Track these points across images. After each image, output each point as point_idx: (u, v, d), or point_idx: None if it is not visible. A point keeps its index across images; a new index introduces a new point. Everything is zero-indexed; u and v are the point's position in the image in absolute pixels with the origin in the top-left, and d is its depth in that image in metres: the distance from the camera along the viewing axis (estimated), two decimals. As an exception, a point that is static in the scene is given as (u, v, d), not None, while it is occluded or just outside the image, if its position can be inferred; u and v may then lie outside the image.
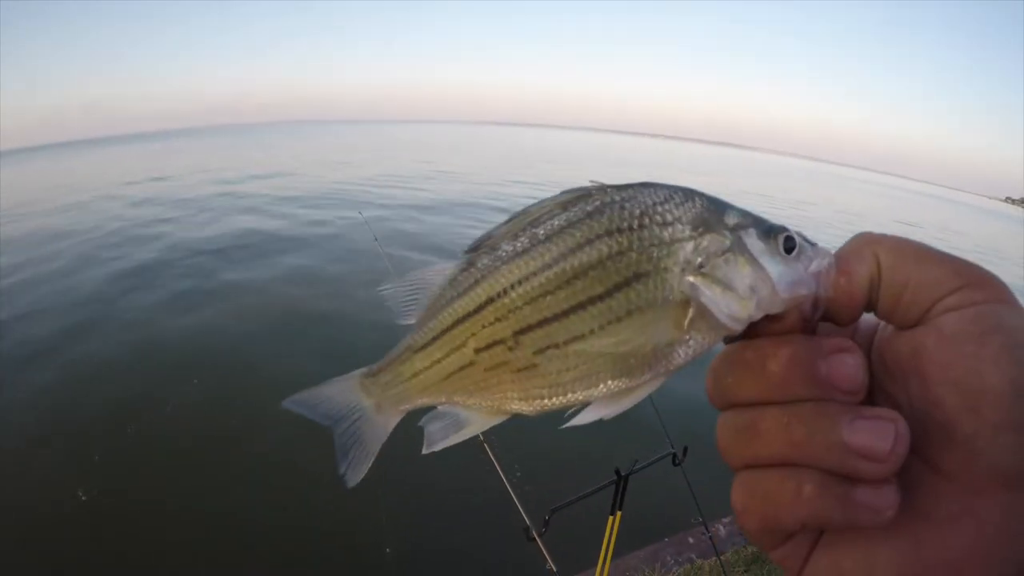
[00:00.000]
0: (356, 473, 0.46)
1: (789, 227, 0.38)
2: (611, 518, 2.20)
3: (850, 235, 0.36)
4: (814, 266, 0.35)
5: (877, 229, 0.37)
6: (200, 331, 6.72)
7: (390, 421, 0.46)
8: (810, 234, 0.39)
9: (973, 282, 0.31)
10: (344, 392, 0.47)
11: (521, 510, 1.98)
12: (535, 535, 1.88)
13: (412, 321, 0.44)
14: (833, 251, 0.36)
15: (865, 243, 0.35)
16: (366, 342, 5.66)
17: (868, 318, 0.36)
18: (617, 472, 2.09)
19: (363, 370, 0.47)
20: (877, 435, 0.29)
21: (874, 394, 0.35)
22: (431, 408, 0.44)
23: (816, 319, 0.36)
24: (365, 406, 0.46)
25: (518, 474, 2.19)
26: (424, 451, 0.43)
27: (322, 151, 41.80)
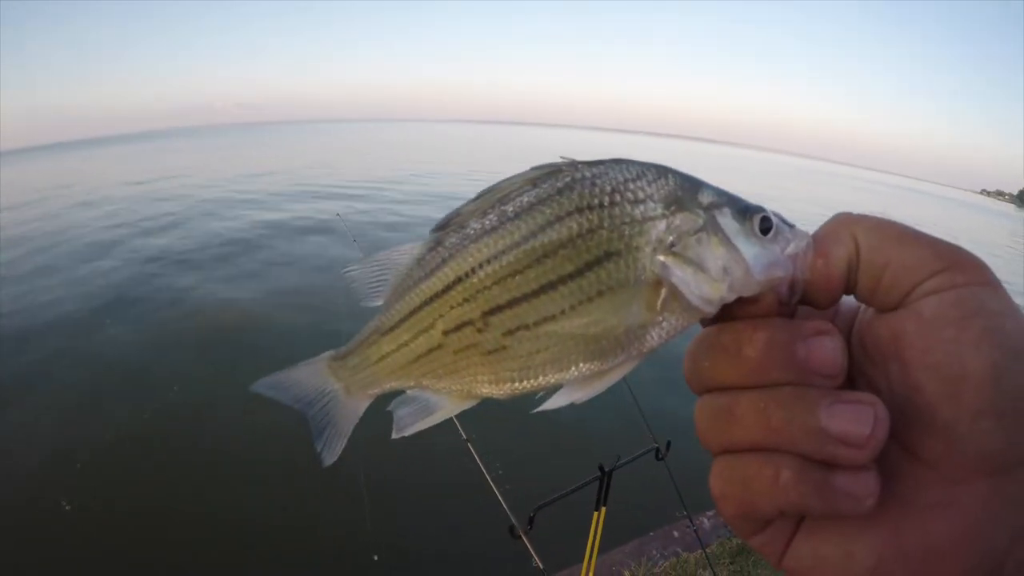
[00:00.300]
0: (331, 452, 0.46)
1: (766, 207, 0.37)
2: (596, 514, 2.22)
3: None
4: (791, 248, 0.34)
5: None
6: (179, 338, 6.65)
7: (360, 404, 0.46)
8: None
9: (954, 264, 0.30)
10: (312, 375, 0.46)
11: (506, 508, 1.99)
12: (520, 533, 1.90)
13: (379, 303, 0.43)
14: (811, 232, 0.35)
15: (844, 224, 0.34)
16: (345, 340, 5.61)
17: (850, 301, 0.35)
18: (601, 468, 2.11)
19: (331, 353, 0.46)
20: (856, 420, 0.29)
21: (854, 378, 0.34)
22: (400, 392, 0.44)
23: (794, 302, 0.35)
24: (335, 388, 0.46)
25: (501, 472, 2.20)
26: (394, 436, 0.43)
27: (321, 152, 41.43)
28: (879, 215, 0.34)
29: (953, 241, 0.32)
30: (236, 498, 4.13)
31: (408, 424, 0.43)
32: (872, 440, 0.28)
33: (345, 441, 0.46)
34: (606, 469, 2.12)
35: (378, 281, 0.43)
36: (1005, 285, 0.31)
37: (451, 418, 0.44)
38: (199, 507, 4.03)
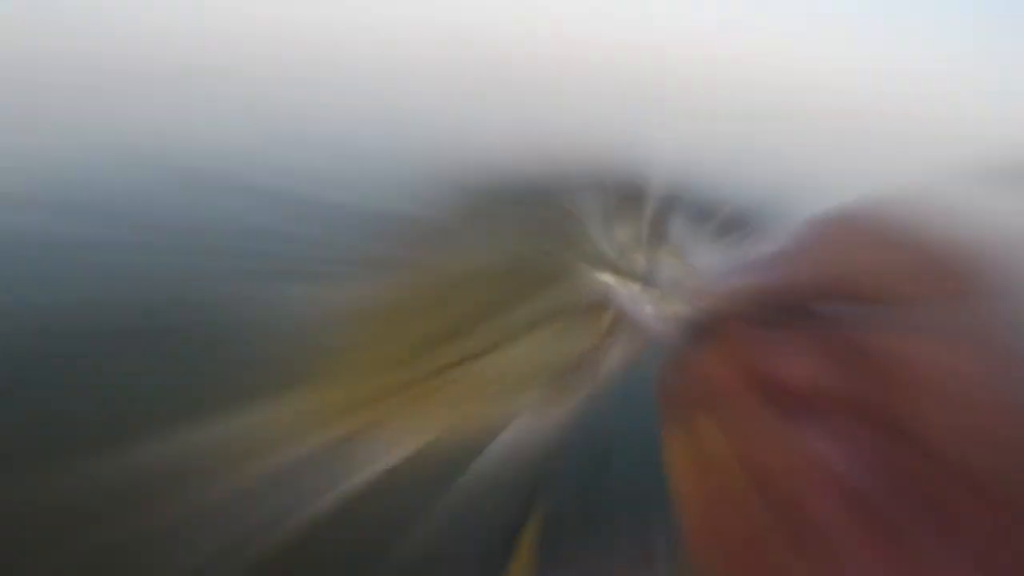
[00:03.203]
0: None
1: (725, 209, 0.35)
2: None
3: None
4: (754, 252, 0.32)
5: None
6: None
7: None
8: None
9: (942, 270, 0.28)
10: None
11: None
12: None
13: None
14: (783, 233, 0.32)
15: (819, 224, 0.31)
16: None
17: (830, 307, 0.33)
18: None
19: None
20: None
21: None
22: None
23: (762, 308, 0.32)
24: None
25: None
26: None
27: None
28: (859, 214, 0.31)
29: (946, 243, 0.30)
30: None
31: None
32: None
33: None
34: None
35: None
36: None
37: None
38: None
